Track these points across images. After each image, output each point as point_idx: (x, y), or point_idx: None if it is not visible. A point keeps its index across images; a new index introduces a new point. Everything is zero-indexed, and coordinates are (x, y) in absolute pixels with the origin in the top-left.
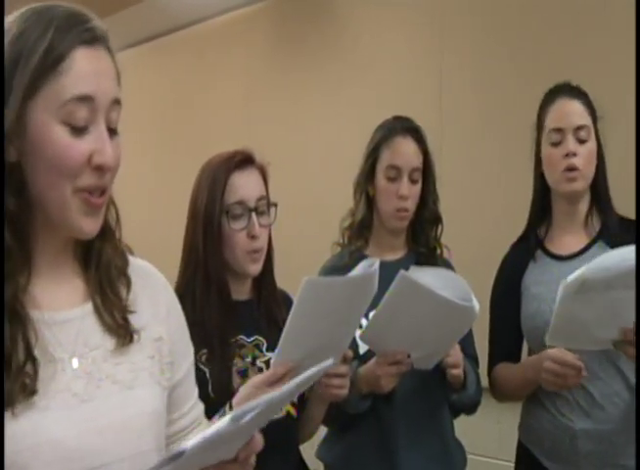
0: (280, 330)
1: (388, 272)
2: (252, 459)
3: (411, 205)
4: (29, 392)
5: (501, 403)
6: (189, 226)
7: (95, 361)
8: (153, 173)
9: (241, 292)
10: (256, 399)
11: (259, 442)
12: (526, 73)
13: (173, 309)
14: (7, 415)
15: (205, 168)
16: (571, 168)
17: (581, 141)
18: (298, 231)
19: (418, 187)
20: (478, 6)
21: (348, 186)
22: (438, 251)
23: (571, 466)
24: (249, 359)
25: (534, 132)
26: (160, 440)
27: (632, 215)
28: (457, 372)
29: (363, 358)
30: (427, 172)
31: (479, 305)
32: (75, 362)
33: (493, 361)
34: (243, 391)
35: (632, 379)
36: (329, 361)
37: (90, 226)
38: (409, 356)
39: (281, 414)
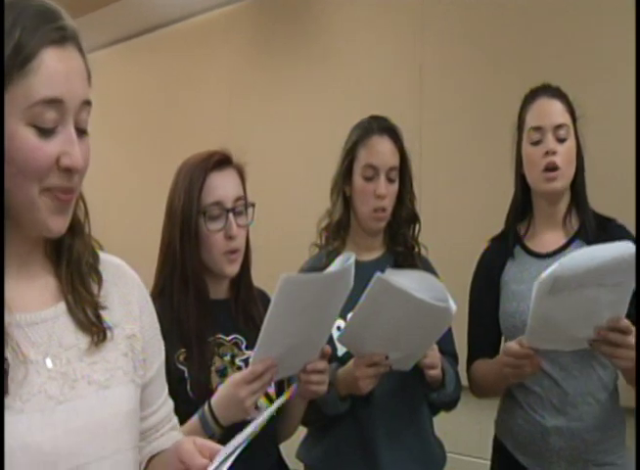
0: (258, 328)
1: (366, 272)
2: None
3: (388, 204)
4: None
5: (481, 403)
6: (166, 226)
7: (70, 361)
8: (134, 173)
9: (218, 291)
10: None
11: None
12: (507, 72)
13: (146, 306)
14: None
15: (183, 168)
16: (551, 167)
17: (561, 140)
18: (278, 231)
19: (395, 186)
20: (457, 4)
21: (329, 186)
22: (416, 249)
23: (543, 461)
24: (227, 358)
25: (515, 132)
26: (135, 437)
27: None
28: (435, 373)
29: (342, 360)
30: (403, 172)
31: (455, 305)
32: (49, 363)
33: (472, 357)
34: (222, 390)
35: (604, 377)
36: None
37: (58, 225)
38: (387, 358)
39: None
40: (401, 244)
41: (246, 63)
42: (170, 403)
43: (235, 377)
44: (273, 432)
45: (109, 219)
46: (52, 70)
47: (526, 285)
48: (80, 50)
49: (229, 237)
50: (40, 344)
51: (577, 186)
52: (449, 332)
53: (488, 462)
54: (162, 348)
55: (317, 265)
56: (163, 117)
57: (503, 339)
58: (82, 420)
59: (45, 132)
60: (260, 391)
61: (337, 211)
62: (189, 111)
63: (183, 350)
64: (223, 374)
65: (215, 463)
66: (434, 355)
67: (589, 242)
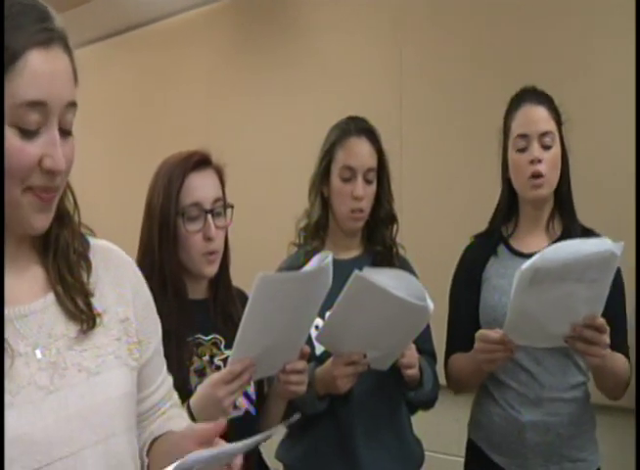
0: (237, 328)
1: (344, 271)
2: None
3: (366, 205)
4: None
5: (460, 401)
6: (144, 226)
7: (59, 351)
8: (113, 173)
9: (197, 291)
10: (200, 453)
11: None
12: (488, 72)
13: (139, 288)
14: None
15: (162, 168)
16: (537, 175)
17: (546, 147)
18: (257, 230)
19: (373, 187)
20: (438, 5)
21: (307, 186)
22: (394, 249)
23: (518, 458)
24: (206, 358)
25: (501, 137)
26: (130, 420)
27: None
28: (412, 372)
29: (320, 359)
30: (381, 173)
31: (433, 304)
32: (39, 354)
33: (450, 351)
34: (200, 390)
35: (578, 373)
36: (280, 429)
37: (41, 222)
38: (365, 357)
39: (240, 413)
40: (379, 243)
41: (225, 62)
42: (169, 380)
43: (213, 377)
44: (253, 432)
45: (84, 218)
46: (36, 72)
47: (508, 280)
48: (67, 51)
49: (208, 238)
50: (29, 335)
51: (562, 191)
52: (428, 331)
53: None
54: (159, 326)
55: (294, 264)
56: (142, 116)
57: None
58: (73, 408)
59: (28, 134)
60: (239, 391)
61: (315, 211)
62: (168, 110)
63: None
64: (202, 374)
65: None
66: (411, 355)
67: None
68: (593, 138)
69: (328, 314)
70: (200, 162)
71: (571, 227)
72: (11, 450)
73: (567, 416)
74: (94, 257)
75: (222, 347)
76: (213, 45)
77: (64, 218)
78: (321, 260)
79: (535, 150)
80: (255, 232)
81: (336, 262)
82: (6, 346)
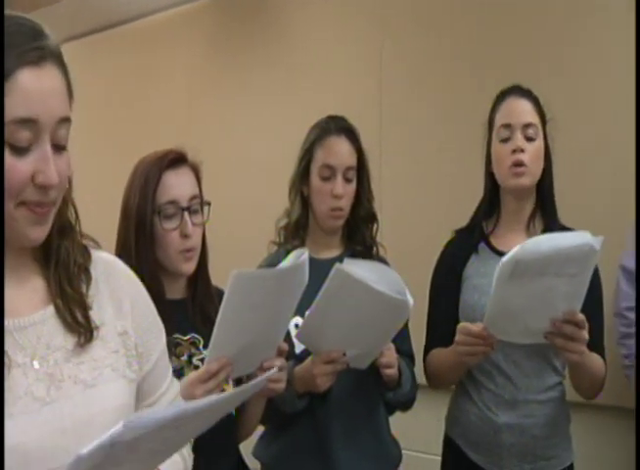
0: None
1: (324, 271)
2: None
3: (345, 204)
4: None
5: (440, 400)
6: (121, 225)
7: (57, 362)
8: (91, 173)
9: (175, 290)
10: (153, 412)
11: None
12: (467, 72)
13: (139, 301)
14: None
15: (138, 167)
16: (518, 164)
17: (529, 139)
18: (237, 229)
19: (352, 186)
20: (419, 5)
21: (287, 185)
22: (374, 249)
23: (494, 457)
24: (184, 358)
25: (486, 132)
26: None
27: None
28: (391, 372)
29: (299, 358)
30: (361, 171)
31: (412, 300)
32: (37, 365)
33: (429, 346)
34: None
35: (554, 376)
36: (273, 370)
37: (36, 234)
38: (344, 355)
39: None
40: (360, 243)
41: (205, 61)
42: (175, 387)
43: (190, 376)
44: (233, 431)
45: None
46: (26, 91)
47: (488, 279)
48: (61, 67)
49: (184, 236)
50: (28, 347)
51: (544, 188)
52: (406, 333)
53: None
54: (162, 336)
55: (274, 263)
56: (122, 116)
57: None
58: (68, 420)
59: (19, 151)
60: (216, 390)
61: (295, 210)
62: (148, 109)
63: None
64: (180, 374)
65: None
66: (390, 354)
67: None
68: (577, 137)
69: (308, 311)
70: (175, 159)
71: (551, 226)
72: (7, 460)
73: (542, 418)
74: (95, 269)
75: (201, 346)
76: (193, 44)
77: (65, 230)
78: (297, 257)
79: (518, 140)
80: (236, 231)
81: (316, 262)
82: (5, 357)
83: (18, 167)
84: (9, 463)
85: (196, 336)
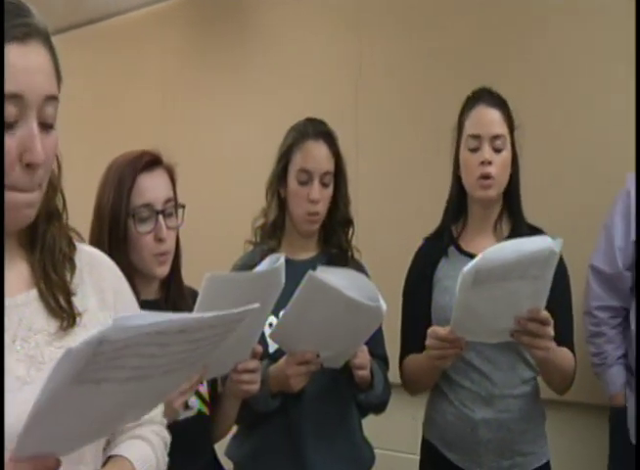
0: None
1: (299, 272)
2: None
3: (322, 208)
4: None
5: (415, 399)
6: (94, 225)
7: (38, 345)
8: (64, 173)
9: (148, 292)
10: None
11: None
12: (445, 73)
13: (122, 293)
14: None
15: (112, 168)
16: (486, 176)
17: (497, 150)
18: (213, 229)
19: (329, 191)
20: (396, 5)
21: (264, 185)
22: (350, 252)
23: (472, 455)
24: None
25: (454, 134)
26: None
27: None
28: (363, 373)
29: (273, 357)
30: (338, 176)
31: (386, 305)
32: (18, 346)
33: (404, 352)
34: None
35: (528, 369)
36: (255, 305)
37: (25, 216)
38: (318, 356)
39: (192, 413)
40: (335, 246)
41: (180, 61)
42: None
43: None
44: (208, 431)
45: None
46: (11, 66)
47: (457, 281)
48: (48, 46)
49: (159, 239)
50: (10, 328)
51: (511, 194)
52: (380, 336)
53: None
54: None
55: (250, 263)
56: (95, 116)
57: None
58: None
59: (5, 126)
60: (189, 392)
61: (272, 211)
62: (122, 110)
63: None
64: None
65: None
66: (363, 356)
67: None
68: (548, 140)
69: (282, 313)
70: (150, 162)
71: (518, 228)
72: None
73: (517, 412)
74: (80, 260)
75: None
76: (168, 43)
77: (52, 216)
78: (273, 262)
79: (486, 152)
80: (212, 230)
81: (291, 263)
82: None
83: (5, 143)
84: None
85: None
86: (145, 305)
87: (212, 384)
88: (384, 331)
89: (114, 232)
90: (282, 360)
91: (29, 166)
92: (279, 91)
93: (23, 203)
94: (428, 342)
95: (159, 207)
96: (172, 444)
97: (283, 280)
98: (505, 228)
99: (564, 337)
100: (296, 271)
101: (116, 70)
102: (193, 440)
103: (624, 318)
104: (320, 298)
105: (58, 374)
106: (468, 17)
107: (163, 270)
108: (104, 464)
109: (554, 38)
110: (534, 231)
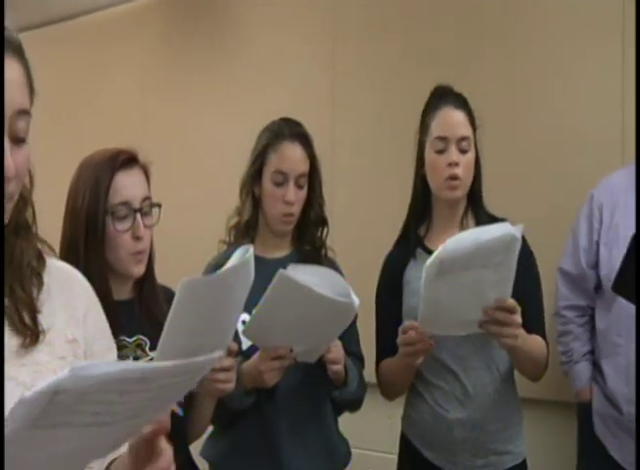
0: (163, 328)
1: (272, 270)
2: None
3: (296, 210)
4: None
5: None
6: (68, 225)
7: None
8: (38, 176)
9: (121, 292)
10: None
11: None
12: (421, 75)
13: (92, 311)
14: None
15: (87, 166)
16: (454, 177)
17: (463, 151)
18: (187, 229)
19: (304, 192)
20: (371, 5)
21: (238, 185)
22: (323, 250)
23: (448, 454)
24: (130, 360)
25: (418, 134)
26: None
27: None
28: (337, 368)
29: (246, 354)
30: (313, 177)
31: (358, 300)
32: None
33: (380, 357)
34: None
35: (502, 369)
36: (216, 354)
37: None
38: (291, 351)
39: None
40: (308, 243)
41: (157, 60)
42: None
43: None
44: (182, 432)
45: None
46: None
47: None
48: (21, 60)
49: (136, 237)
50: None
51: (475, 191)
52: (355, 333)
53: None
54: (113, 348)
55: (223, 261)
56: (71, 115)
57: None
58: None
59: None
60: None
61: (246, 211)
62: (97, 108)
63: None
64: None
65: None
66: (337, 351)
67: None
68: (514, 143)
69: (254, 310)
70: (127, 160)
71: (481, 222)
72: None
73: (492, 412)
74: (49, 276)
75: (147, 348)
76: (143, 42)
77: (20, 230)
78: (243, 254)
79: (453, 154)
80: (186, 230)
81: (264, 261)
82: None
83: None
84: None
85: (142, 338)
86: (118, 305)
87: None
88: (359, 330)
89: (91, 231)
90: (255, 356)
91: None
92: (255, 91)
93: None
94: (399, 338)
95: (136, 205)
96: None
97: (252, 272)
98: (470, 224)
99: (534, 324)
100: (269, 269)
101: (93, 68)
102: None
103: (590, 316)
104: (291, 296)
105: (11, 421)
106: (443, 16)
107: (140, 269)
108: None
109: (530, 37)
110: (499, 221)
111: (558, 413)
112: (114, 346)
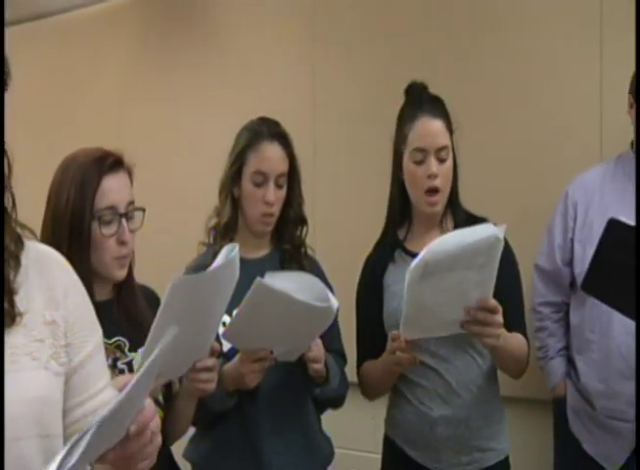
0: (142, 329)
1: (252, 270)
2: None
3: (276, 209)
4: None
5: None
6: (50, 226)
7: None
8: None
9: (100, 293)
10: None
11: (149, 411)
12: (400, 74)
13: (73, 291)
14: None
15: (70, 165)
16: (433, 190)
17: (442, 160)
18: (166, 230)
19: (283, 192)
20: (351, 6)
21: (217, 186)
22: (303, 249)
23: (431, 452)
24: (109, 362)
25: (394, 140)
26: (46, 427)
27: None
28: (318, 366)
29: (227, 356)
30: (292, 176)
31: (337, 303)
32: None
33: (361, 359)
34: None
35: (484, 366)
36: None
37: None
38: (272, 352)
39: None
40: (288, 242)
41: (135, 61)
42: (112, 392)
43: (119, 382)
44: (164, 433)
45: None
46: None
47: None
48: None
49: (121, 242)
50: None
51: (452, 194)
52: (337, 331)
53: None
54: (98, 331)
55: (203, 263)
56: (49, 113)
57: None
58: None
59: None
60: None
61: (225, 212)
62: (75, 108)
63: None
64: None
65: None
66: (318, 349)
67: None
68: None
69: (234, 314)
70: (114, 163)
71: (460, 220)
72: None
73: (475, 409)
74: (27, 258)
75: (126, 349)
76: (120, 42)
77: None
78: (228, 253)
79: (433, 165)
80: (165, 232)
81: (244, 261)
82: None
83: None
84: None
85: (121, 339)
86: (98, 306)
87: (167, 384)
88: (341, 329)
89: (76, 234)
90: (236, 359)
91: None
92: (235, 91)
93: None
94: (389, 345)
95: (122, 209)
96: None
97: (237, 270)
98: (449, 224)
99: (515, 323)
100: (249, 269)
101: (67, 68)
102: None
103: (566, 313)
104: (270, 303)
105: None
106: (423, 16)
107: (122, 273)
108: None
109: (507, 37)
110: (479, 220)
111: (537, 411)
112: (98, 328)
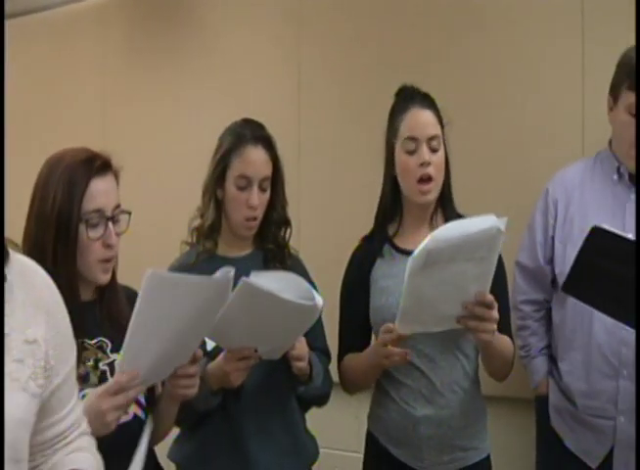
0: (124, 329)
1: (236, 268)
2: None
3: (260, 213)
4: None
5: (359, 398)
6: (35, 228)
7: None
8: None
9: (84, 294)
10: None
11: None
12: (384, 75)
13: (55, 312)
14: None
15: (56, 166)
16: (426, 178)
17: (434, 150)
18: (149, 230)
19: (267, 195)
20: (336, 6)
21: (200, 186)
22: (286, 249)
23: (414, 451)
24: (90, 363)
25: (386, 136)
26: (18, 451)
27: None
28: (301, 364)
29: (211, 355)
30: (276, 178)
31: (322, 301)
32: None
33: (342, 352)
34: (87, 400)
35: (468, 367)
36: None
37: None
38: (256, 351)
39: (128, 418)
40: (271, 242)
41: (119, 60)
42: (80, 406)
43: (99, 388)
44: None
45: None
46: None
47: (394, 280)
48: None
49: (107, 245)
50: None
51: (444, 189)
52: (321, 329)
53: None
54: (74, 351)
55: (186, 262)
56: (29, 115)
57: (373, 336)
58: None
59: None
60: (124, 406)
61: (209, 214)
62: (58, 108)
63: None
64: (86, 380)
65: None
66: (301, 347)
67: None
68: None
69: (220, 311)
70: (102, 165)
71: (451, 219)
72: None
73: (458, 409)
74: (10, 273)
75: (108, 350)
76: (104, 41)
77: None
78: (224, 274)
79: (425, 153)
80: (148, 231)
81: (228, 260)
82: None
83: None
84: None
85: (103, 339)
86: (79, 306)
87: (149, 390)
88: (325, 327)
89: (62, 236)
90: (220, 357)
91: None
92: (220, 92)
93: None
94: (381, 337)
95: (109, 213)
96: (108, 447)
97: (229, 295)
98: (440, 223)
99: (502, 325)
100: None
101: (51, 67)
102: (130, 444)
103: (548, 311)
104: (255, 302)
105: None
106: (407, 17)
107: (107, 277)
108: None
109: (488, 35)
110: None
111: (519, 409)
112: (74, 345)
